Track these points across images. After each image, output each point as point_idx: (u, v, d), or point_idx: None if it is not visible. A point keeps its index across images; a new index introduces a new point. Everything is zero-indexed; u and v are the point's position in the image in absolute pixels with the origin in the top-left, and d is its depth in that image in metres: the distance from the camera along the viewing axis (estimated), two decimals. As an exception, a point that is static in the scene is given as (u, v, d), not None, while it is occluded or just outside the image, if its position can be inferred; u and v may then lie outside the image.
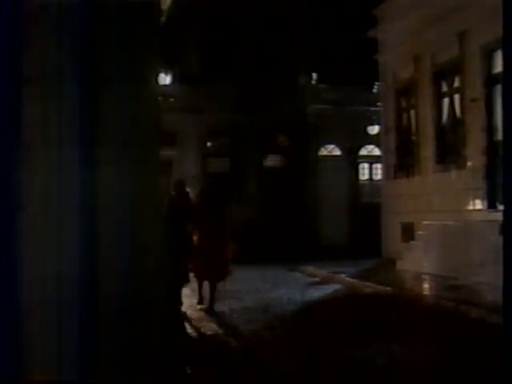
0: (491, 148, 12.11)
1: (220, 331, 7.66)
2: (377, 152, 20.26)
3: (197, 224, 9.00)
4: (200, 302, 9.52)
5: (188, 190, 9.37)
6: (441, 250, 11.97)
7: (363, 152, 21.62)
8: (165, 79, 18.12)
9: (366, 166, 21.70)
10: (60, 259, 2.58)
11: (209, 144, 20.88)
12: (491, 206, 11.95)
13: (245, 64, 20.41)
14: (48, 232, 2.59)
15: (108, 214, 2.65)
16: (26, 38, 2.59)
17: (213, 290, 9.26)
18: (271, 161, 21.26)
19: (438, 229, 12.50)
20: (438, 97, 14.32)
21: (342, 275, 12.76)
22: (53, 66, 2.61)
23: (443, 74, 14.18)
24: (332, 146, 21.57)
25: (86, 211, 2.62)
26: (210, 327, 7.90)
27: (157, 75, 3.08)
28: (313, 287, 11.96)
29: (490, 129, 12.24)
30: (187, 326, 7.84)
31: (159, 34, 3.07)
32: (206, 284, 9.59)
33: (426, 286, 11.13)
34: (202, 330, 7.72)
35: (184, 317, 8.15)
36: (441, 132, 14.28)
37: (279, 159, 21.29)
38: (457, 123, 13.68)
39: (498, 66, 11.71)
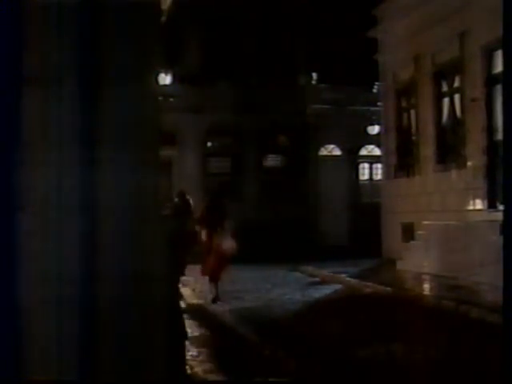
0: (491, 148, 12.11)
1: (220, 331, 7.66)
2: (377, 152, 20.26)
3: (206, 232, 10.09)
4: (215, 299, 9.87)
5: (188, 197, 11.29)
6: (441, 250, 11.96)
7: (363, 152, 21.62)
8: (165, 79, 18.10)
9: (366, 165, 21.71)
10: (60, 259, 2.58)
11: (209, 144, 20.88)
12: (491, 205, 11.95)
13: (245, 64, 20.40)
14: (48, 232, 2.59)
15: (108, 214, 2.65)
16: (25, 37, 2.59)
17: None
18: (271, 161, 21.27)
19: (438, 229, 12.50)
20: (438, 97, 14.32)
21: (343, 275, 12.76)
22: (53, 66, 2.61)
23: (443, 73, 14.18)
24: (332, 146, 21.57)
25: (86, 211, 2.62)
26: (210, 327, 7.90)
27: (157, 75, 3.08)
28: (313, 287, 11.96)
29: (490, 129, 12.24)
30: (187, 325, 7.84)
31: (159, 34, 3.07)
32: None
33: (426, 286, 11.13)
34: (202, 329, 7.71)
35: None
36: (441, 132, 14.28)
37: (279, 159, 21.30)
38: (457, 123, 13.68)
39: (498, 66, 11.71)
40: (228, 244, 9.87)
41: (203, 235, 10.13)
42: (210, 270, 10.01)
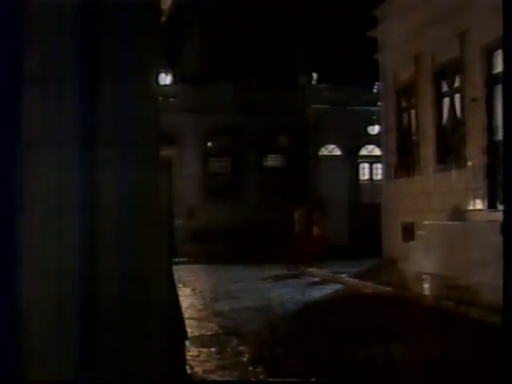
0: (491, 148, 12.11)
1: (220, 331, 7.66)
2: (377, 152, 20.27)
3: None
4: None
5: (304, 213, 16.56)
6: (441, 250, 11.96)
7: (363, 152, 21.62)
8: (165, 79, 18.09)
9: (366, 165, 21.71)
10: (60, 259, 2.59)
11: (209, 144, 20.88)
12: (491, 205, 11.95)
13: (245, 64, 20.40)
14: (48, 232, 2.59)
15: (108, 214, 2.65)
16: (26, 37, 2.59)
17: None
18: (271, 161, 21.27)
19: (439, 229, 12.49)
20: (439, 97, 14.31)
21: (343, 275, 12.76)
22: (53, 66, 2.61)
23: (444, 73, 14.18)
24: (332, 146, 21.57)
25: (86, 211, 2.62)
26: (210, 327, 7.90)
27: (157, 75, 3.08)
28: (313, 287, 11.96)
29: (490, 129, 12.23)
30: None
31: (159, 34, 3.07)
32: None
33: (426, 285, 11.12)
34: (203, 329, 7.72)
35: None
36: (441, 132, 14.28)
37: (279, 159, 21.30)
38: (457, 123, 13.68)
39: (498, 66, 11.71)
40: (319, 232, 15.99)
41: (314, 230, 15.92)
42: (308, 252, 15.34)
